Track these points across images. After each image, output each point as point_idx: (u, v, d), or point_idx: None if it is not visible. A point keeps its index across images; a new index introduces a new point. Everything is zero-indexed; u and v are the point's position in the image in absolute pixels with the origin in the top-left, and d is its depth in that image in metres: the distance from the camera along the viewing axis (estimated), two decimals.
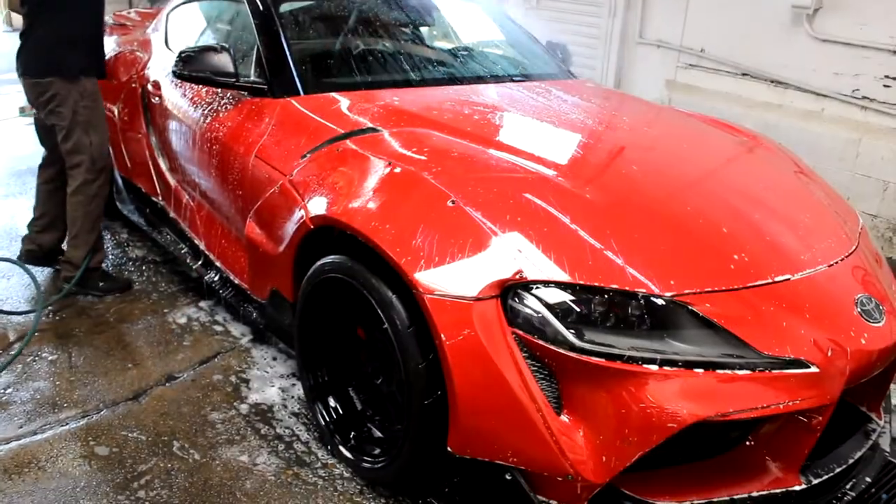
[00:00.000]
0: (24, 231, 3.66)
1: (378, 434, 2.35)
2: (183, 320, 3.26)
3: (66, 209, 3.36)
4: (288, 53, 2.92)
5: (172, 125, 3.37)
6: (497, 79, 3.28)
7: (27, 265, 3.51)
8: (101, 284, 3.45)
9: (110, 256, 3.86)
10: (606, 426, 1.78)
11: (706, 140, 2.93)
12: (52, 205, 3.53)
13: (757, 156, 2.81)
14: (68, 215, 3.35)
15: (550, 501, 1.91)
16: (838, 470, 2.00)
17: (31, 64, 3.18)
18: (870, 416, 2.19)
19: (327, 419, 2.42)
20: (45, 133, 3.45)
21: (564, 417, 1.83)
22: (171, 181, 3.50)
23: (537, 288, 1.83)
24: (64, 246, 3.46)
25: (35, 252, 3.57)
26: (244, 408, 2.65)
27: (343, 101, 2.79)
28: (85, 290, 3.41)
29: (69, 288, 3.33)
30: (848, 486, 2.05)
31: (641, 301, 1.82)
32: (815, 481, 1.94)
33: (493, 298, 1.85)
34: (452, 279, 1.88)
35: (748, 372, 1.78)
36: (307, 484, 2.29)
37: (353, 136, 2.49)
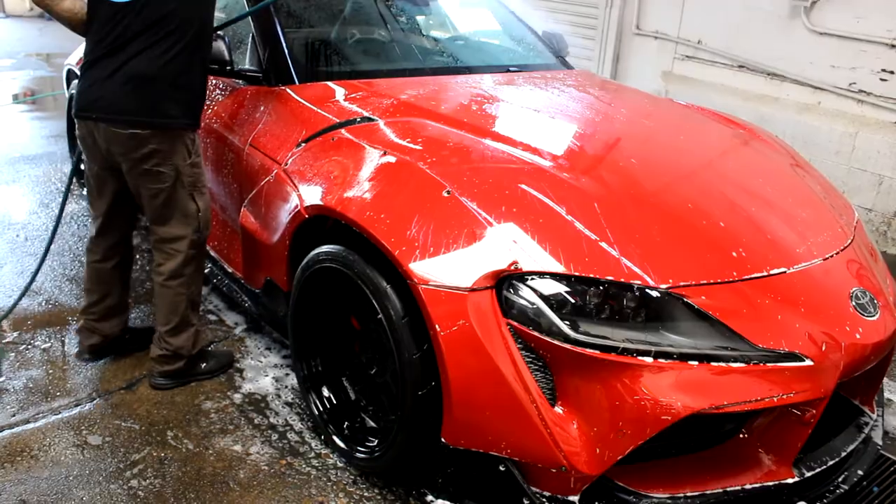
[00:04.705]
0: (17, 219, 3.45)
1: (372, 424, 2.35)
2: None
3: (127, 285, 2.80)
4: (283, 42, 2.90)
5: None
6: (493, 69, 3.27)
7: (90, 360, 2.82)
8: (203, 366, 2.76)
9: None
10: (600, 418, 1.78)
11: (703, 132, 2.92)
12: (115, 284, 2.77)
13: (753, 148, 2.81)
14: (166, 304, 2.61)
15: (544, 493, 1.91)
16: (831, 463, 2.01)
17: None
18: (863, 410, 2.20)
19: (321, 409, 2.41)
20: (104, 191, 2.61)
21: (558, 409, 1.83)
22: None
23: (532, 279, 1.83)
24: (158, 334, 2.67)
25: (99, 344, 2.80)
26: (238, 397, 2.64)
27: (338, 90, 2.78)
28: (185, 380, 2.71)
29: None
30: (840, 479, 2.06)
31: (637, 293, 1.82)
32: (808, 474, 1.95)
33: (488, 289, 1.84)
34: (447, 270, 1.88)
35: (743, 365, 1.79)
36: (300, 474, 2.29)
37: (349, 125, 2.48)
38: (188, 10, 2.37)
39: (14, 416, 2.50)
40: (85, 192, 4.44)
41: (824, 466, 1.99)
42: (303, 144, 2.50)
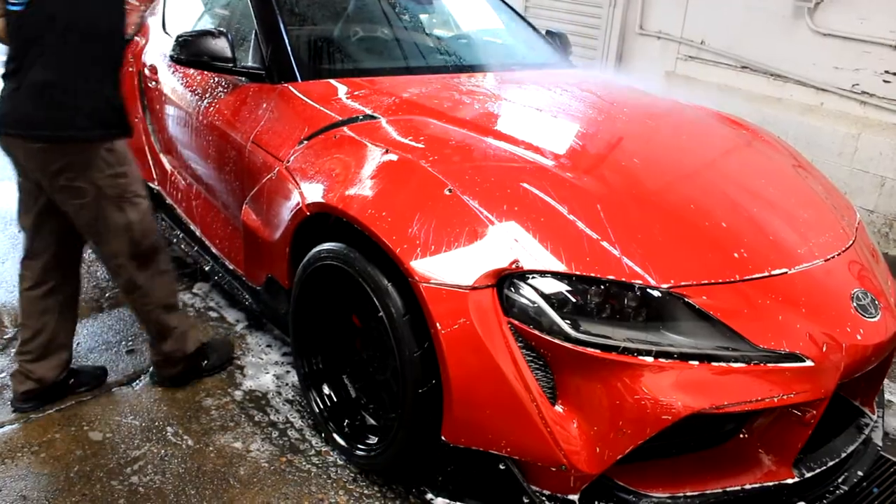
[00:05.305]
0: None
1: (372, 422, 2.35)
2: None
3: (69, 319, 2.57)
4: (286, 39, 2.89)
5: (169, 110, 3.35)
6: (496, 67, 3.26)
7: (26, 409, 2.51)
8: (205, 363, 2.74)
9: None
10: (601, 417, 1.78)
11: (706, 132, 2.92)
12: (51, 316, 2.49)
13: (756, 149, 2.80)
14: (137, 316, 2.58)
15: (544, 491, 1.91)
16: (831, 464, 2.01)
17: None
18: (863, 411, 2.20)
19: (321, 407, 2.41)
20: (30, 205, 2.42)
21: (559, 408, 1.83)
22: (168, 166, 3.49)
23: (533, 278, 1.83)
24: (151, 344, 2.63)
25: (35, 391, 2.50)
26: (238, 394, 2.65)
27: (341, 87, 2.78)
28: (188, 381, 2.68)
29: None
30: (840, 480, 2.06)
31: (638, 292, 1.82)
32: (808, 475, 1.95)
33: (489, 288, 1.85)
34: (448, 268, 1.88)
35: (743, 365, 1.79)
36: (301, 471, 2.29)
37: (351, 123, 2.48)
38: (72, 17, 2.18)
39: (15, 412, 2.50)
40: None
41: (824, 467, 1.99)
42: (305, 142, 2.50)
